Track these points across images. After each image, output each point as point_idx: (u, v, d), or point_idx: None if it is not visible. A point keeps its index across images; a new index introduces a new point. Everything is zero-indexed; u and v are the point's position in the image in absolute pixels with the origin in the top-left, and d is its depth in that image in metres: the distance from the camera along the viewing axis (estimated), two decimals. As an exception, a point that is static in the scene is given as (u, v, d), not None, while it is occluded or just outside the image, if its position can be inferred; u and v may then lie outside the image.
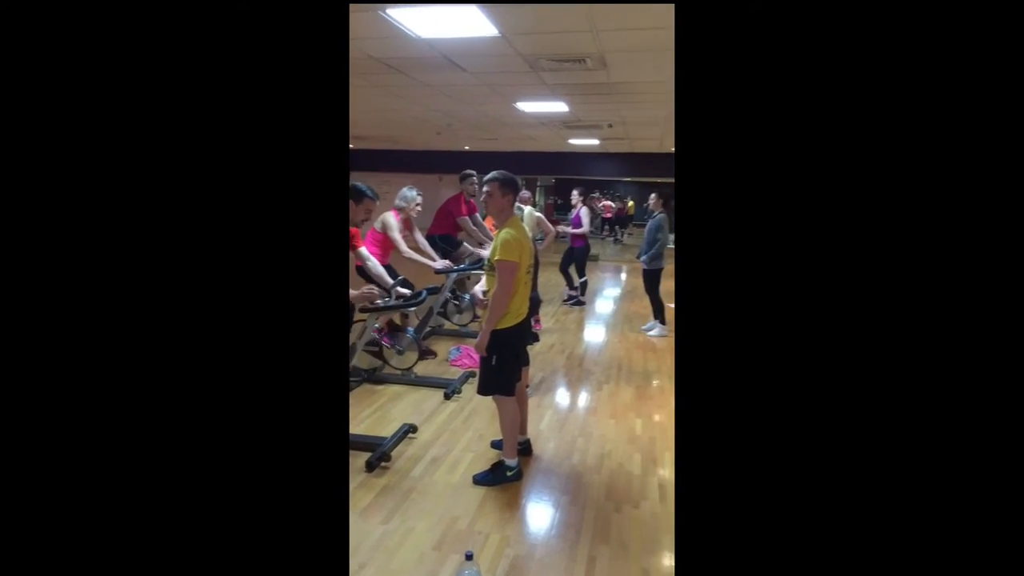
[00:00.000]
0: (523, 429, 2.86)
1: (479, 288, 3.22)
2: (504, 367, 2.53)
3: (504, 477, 2.59)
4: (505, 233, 2.43)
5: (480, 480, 2.59)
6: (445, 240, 4.91)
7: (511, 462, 2.62)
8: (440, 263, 4.33)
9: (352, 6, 2.83)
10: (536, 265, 3.62)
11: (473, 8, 3.06)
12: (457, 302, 5.13)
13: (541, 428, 3.21)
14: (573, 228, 6.42)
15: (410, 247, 4.11)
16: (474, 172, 4.91)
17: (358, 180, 2.89)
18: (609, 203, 16.76)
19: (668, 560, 2.08)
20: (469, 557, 1.78)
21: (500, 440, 2.89)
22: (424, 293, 3.64)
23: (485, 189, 2.52)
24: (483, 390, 2.60)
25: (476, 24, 3.34)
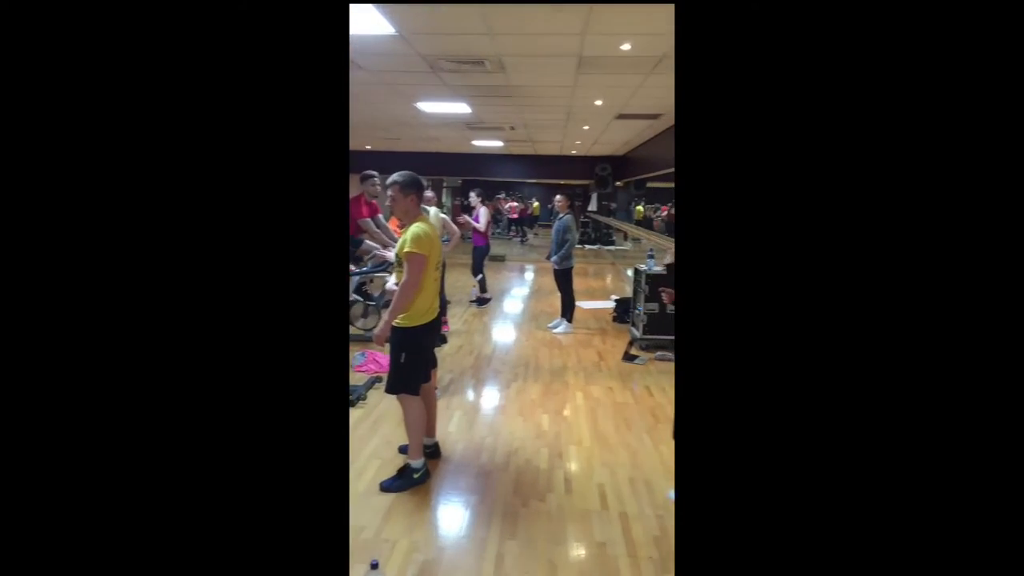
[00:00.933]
0: (431, 432, 2.84)
1: (391, 282, 3.16)
2: (412, 365, 2.51)
3: (412, 480, 2.56)
4: (416, 227, 2.42)
5: (387, 487, 2.54)
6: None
7: (417, 464, 2.59)
8: None
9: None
10: (443, 266, 3.60)
11: (368, 6, 3.00)
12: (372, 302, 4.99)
13: (450, 430, 3.20)
14: (475, 221, 6.44)
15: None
16: (375, 173, 4.79)
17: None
18: (515, 204, 17.03)
19: (574, 550, 2.15)
20: (374, 566, 1.74)
21: (408, 444, 2.86)
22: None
23: (389, 193, 2.49)
24: (391, 388, 2.56)
25: (373, 22, 3.27)
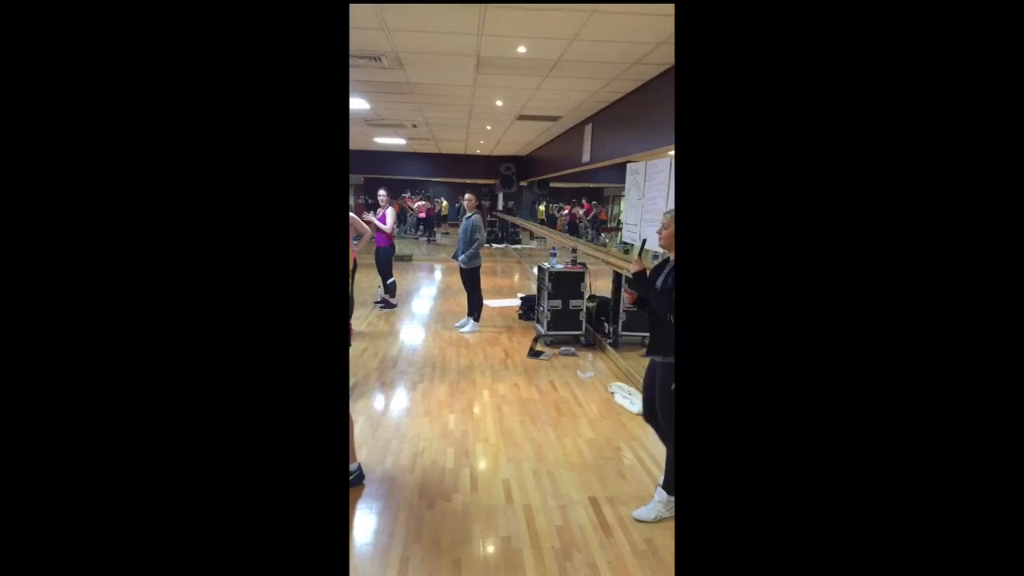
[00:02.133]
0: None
1: None
2: None
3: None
4: None
5: None
6: None
7: (350, 467, 2.56)
8: None
9: None
10: (354, 267, 3.49)
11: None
12: None
13: (354, 435, 3.10)
14: (380, 222, 6.29)
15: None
16: None
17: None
18: (423, 203, 16.84)
19: (480, 548, 2.17)
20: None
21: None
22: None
23: None
24: None
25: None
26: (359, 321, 5.75)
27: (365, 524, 2.31)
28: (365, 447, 2.97)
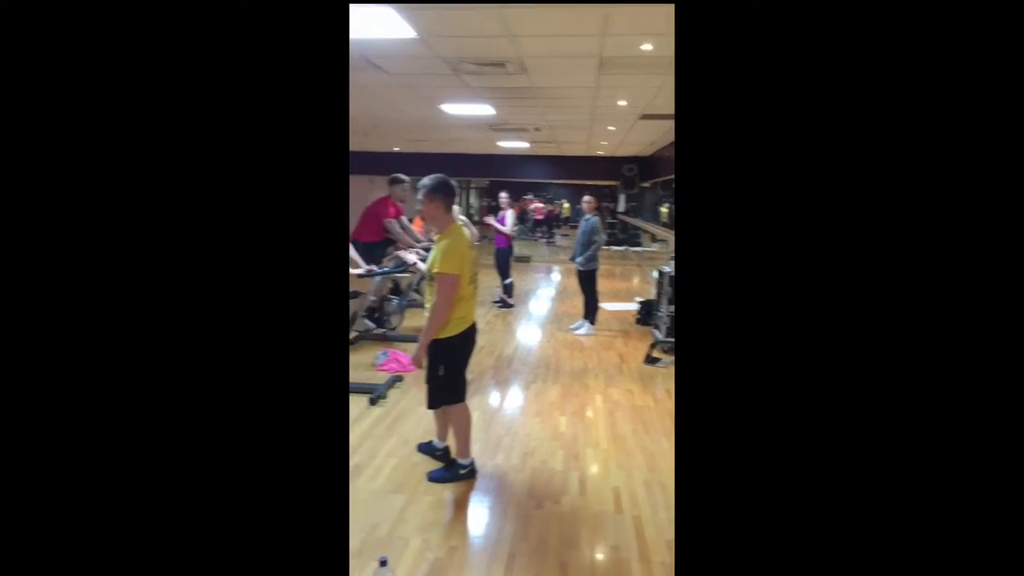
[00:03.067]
0: (444, 435, 2.85)
1: (412, 258, 3.22)
2: (451, 377, 2.54)
3: (458, 475, 2.65)
4: (445, 244, 2.38)
5: (435, 477, 2.64)
6: (369, 249, 4.66)
7: (465, 460, 2.67)
8: (363, 268, 4.20)
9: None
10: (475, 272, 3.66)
11: (387, 9, 3.04)
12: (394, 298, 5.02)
13: (471, 430, 3.21)
14: (499, 224, 6.44)
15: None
16: (405, 177, 4.83)
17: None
18: (540, 205, 17.03)
19: (587, 552, 2.14)
20: (383, 563, 1.76)
21: (426, 443, 2.89)
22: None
23: (419, 197, 2.48)
24: (433, 403, 2.60)
25: (392, 25, 3.31)
26: (478, 320, 5.92)
27: (476, 518, 2.38)
28: (478, 442, 3.06)
